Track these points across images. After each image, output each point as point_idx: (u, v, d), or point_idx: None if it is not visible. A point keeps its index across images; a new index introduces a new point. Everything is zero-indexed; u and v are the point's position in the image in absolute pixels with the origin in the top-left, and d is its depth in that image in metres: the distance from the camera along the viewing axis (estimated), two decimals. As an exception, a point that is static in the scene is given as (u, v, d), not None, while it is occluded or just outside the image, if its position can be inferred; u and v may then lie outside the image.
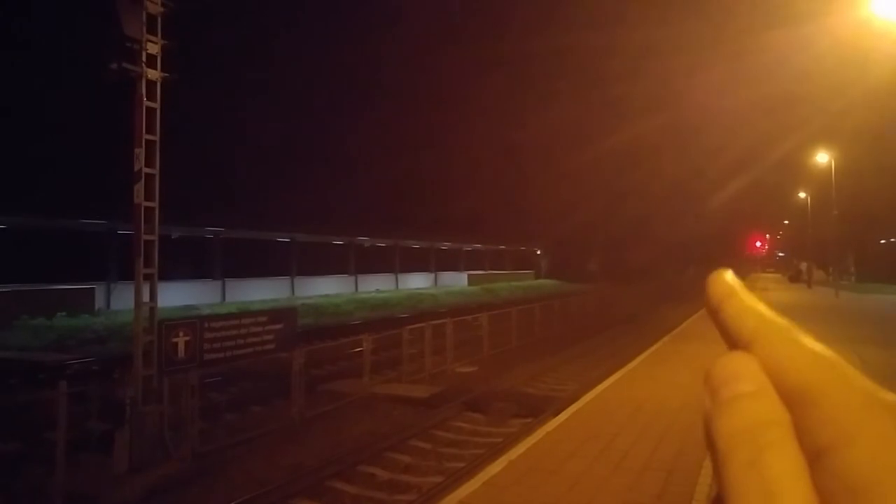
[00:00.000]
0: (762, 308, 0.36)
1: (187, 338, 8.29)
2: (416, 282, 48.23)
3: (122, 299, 24.54)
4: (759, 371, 0.33)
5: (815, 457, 0.27)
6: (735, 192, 72.53)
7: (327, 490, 7.82)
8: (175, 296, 22.94)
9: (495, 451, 8.93)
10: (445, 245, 53.96)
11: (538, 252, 70.01)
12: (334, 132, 49.32)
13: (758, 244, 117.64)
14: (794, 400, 0.30)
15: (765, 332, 0.34)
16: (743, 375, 0.33)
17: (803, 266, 60.13)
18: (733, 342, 0.35)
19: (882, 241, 64.13)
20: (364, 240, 43.74)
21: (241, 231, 33.89)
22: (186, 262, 28.43)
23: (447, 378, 14.19)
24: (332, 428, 10.22)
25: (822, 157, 38.73)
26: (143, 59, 8.34)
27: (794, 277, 63.24)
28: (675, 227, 77.01)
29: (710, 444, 0.31)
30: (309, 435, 9.81)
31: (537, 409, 11.38)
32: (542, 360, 16.92)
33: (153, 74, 8.53)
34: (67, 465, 7.27)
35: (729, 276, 0.38)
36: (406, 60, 71.52)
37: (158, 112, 8.65)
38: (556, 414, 9.51)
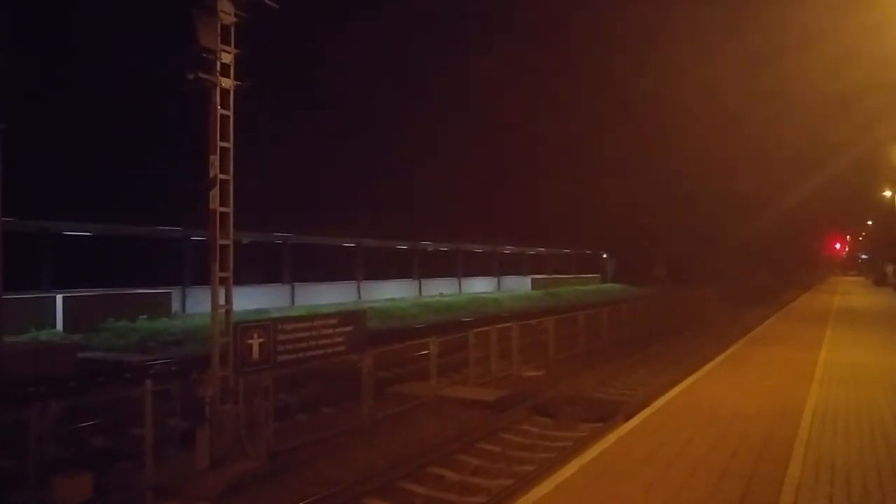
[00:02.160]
0: None
1: (261, 339, 8.52)
2: (480, 286, 48.24)
3: (196, 303, 25.77)
4: None
5: None
6: (811, 191, 69.43)
7: (397, 490, 7.88)
8: (247, 300, 23.74)
9: (566, 455, 8.83)
10: (508, 249, 53.77)
11: (604, 255, 68.84)
12: (386, 138, 49.88)
13: (837, 246, 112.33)
14: None
15: None
16: None
17: (889, 268, 57.04)
18: None
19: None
20: (427, 244, 44.10)
21: (310, 237, 34.79)
22: (257, 266, 29.40)
23: (513, 382, 14.11)
24: (400, 429, 10.31)
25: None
26: (218, 68, 8.64)
27: (879, 280, 59.98)
28: (747, 230, 74.28)
29: None
30: (378, 436, 9.93)
31: (607, 414, 11.17)
32: (611, 365, 16.61)
33: (227, 83, 8.81)
34: (156, 460, 7.61)
35: None
36: (459, 65, 71.58)
37: (232, 119, 8.93)
38: (628, 418, 9.31)
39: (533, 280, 53.69)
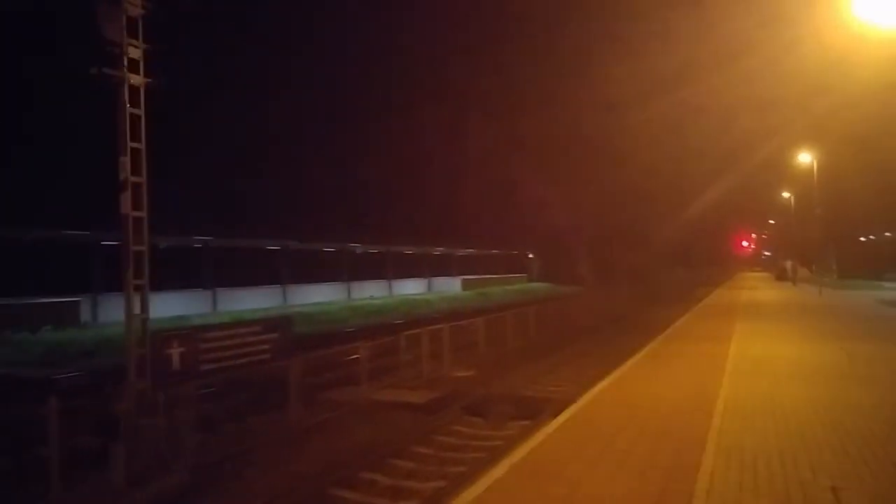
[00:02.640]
0: None
1: (182, 349, 8.22)
2: (410, 287, 48.20)
3: (109, 311, 24.15)
4: None
5: None
6: (722, 192, 72.93)
7: (330, 498, 7.77)
8: (165, 306, 22.61)
9: (496, 455, 8.93)
10: (438, 250, 53.98)
11: (530, 255, 70.11)
12: (321, 133, 49.16)
13: (745, 244, 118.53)
14: None
15: None
16: None
17: (788, 264, 60.69)
18: None
19: (861, 239, 64.83)
20: (356, 246, 43.69)
21: (231, 240, 33.73)
22: (175, 271, 28.16)
23: (445, 383, 14.13)
24: (331, 436, 10.16)
25: (805, 158, 39.12)
26: (125, 63, 8.24)
27: (780, 276, 63.73)
28: (663, 230, 77.28)
29: None
30: (309, 444, 9.75)
31: (536, 411, 11.39)
32: (539, 363, 16.93)
33: (136, 80, 8.43)
34: (65, 482, 7.18)
35: None
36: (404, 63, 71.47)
37: (143, 119, 8.54)
38: (555, 416, 9.50)
39: (463, 281, 54.12)
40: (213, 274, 32.01)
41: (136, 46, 8.38)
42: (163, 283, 23.04)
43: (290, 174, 42.97)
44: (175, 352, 8.11)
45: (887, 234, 50.88)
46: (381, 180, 51.43)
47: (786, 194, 54.29)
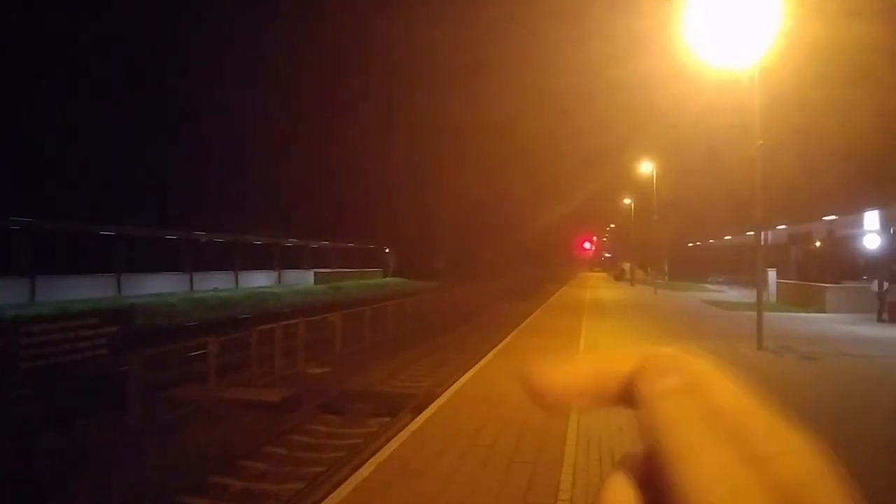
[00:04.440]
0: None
1: None
2: (259, 280, 46.24)
3: None
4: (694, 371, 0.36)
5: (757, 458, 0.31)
6: (573, 198, 77.64)
7: (175, 506, 7.13)
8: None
9: (355, 453, 8.69)
10: (290, 242, 52.29)
11: (386, 250, 70.11)
12: (171, 116, 45.81)
13: (586, 245, 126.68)
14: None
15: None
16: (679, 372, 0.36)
17: (626, 266, 65.53)
18: None
19: (689, 244, 71.70)
20: (201, 234, 41.16)
21: (56, 223, 30.31)
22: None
23: (300, 380, 13.64)
24: (176, 438, 9.36)
25: (646, 167, 42.33)
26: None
27: (619, 276, 68.72)
28: (515, 231, 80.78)
29: (652, 429, 0.33)
30: (150, 447, 8.90)
31: (395, 408, 11.25)
32: (396, 359, 16.83)
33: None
34: None
35: None
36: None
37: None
38: (416, 412, 9.44)
39: (316, 274, 52.87)
40: (33, 260, 28.49)
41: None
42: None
43: (127, 151, 39.60)
44: (-9, 346, 7.05)
45: (727, 237, 56.62)
46: (232, 165, 49.04)
47: (627, 200, 58.55)
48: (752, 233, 16.38)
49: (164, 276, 36.82)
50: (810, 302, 25.68)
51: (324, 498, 5.43)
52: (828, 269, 27.32)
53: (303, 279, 51.09)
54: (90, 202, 32.52)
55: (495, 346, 14.76)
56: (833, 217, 26.95)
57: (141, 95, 42.94)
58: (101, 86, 40.10)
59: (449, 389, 9.83)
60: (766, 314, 15.01)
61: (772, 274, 30.33)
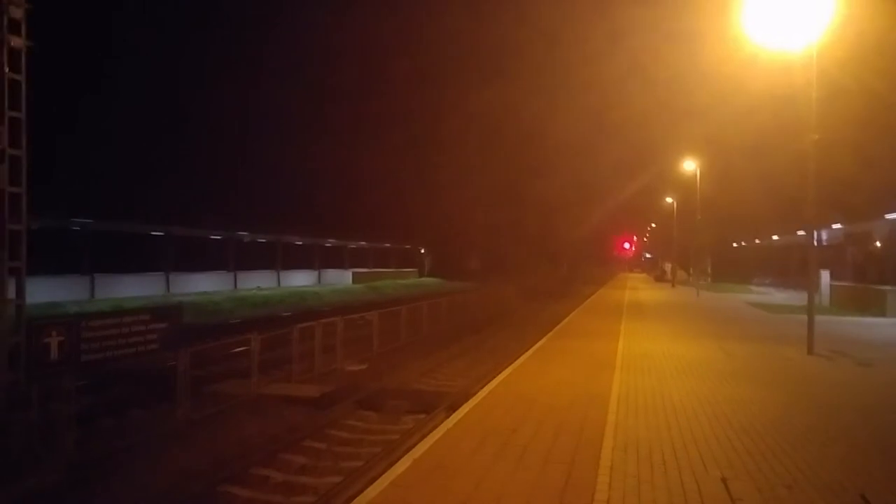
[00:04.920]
0: None
1: (61, 338, 7.57)
2: (299, 279, 47.09)
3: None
4: None
5: None
6: (616, 197, 76.82)
7: (220, 495, 7.45)
8: (37, 292, 20.80)
9: (391, 449, 8.90)
10: (329, 242, 53.08)
11: (422, 250, 70.51)
12: (221, 121, 47.00)
13: (626, 245, 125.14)
14: None
15: None
16: None
17: (667, 267, 64.53)
18: None
19: (734, 245, 70.30)
20: (244, 234, 42.14)
21: (112, 223, 31.60)
22: (49, 255, 26.00)
23: (338, 377, 13.95)
24: (220, 431, 9.73)
25: (690, 165, 41.57)
26: (5, 24, 7.49)
27: (659, 277, 67.74)
28: (553, 230, 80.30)
29: None
30: (196, 439, 9.28)
31: (430, 405, 11.46)
32: (431, 357, 17.06)
33: (17, 42, 7.69)
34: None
35: None
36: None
37: (24, 85, 7.81)
38: (451, 410, 9.60)
39: (354, 274, 53.54)
40: (92, 259, 29.80)
41: (17, 6, 7.63)
42: (36, 266, 21.10)
43: (178, 157, 40.81)
44: (53, 341, 7.46)
45: (774, 237, 55.17)
46: (275, 169, 49.99)
47: (669, 199, 57.63)
48: (802, 232, 15.99)
49: (210, 275, 37.89)
50: (868, 305, 24.73)
51: (360, 492, 5.62)
52: (889, 271, 26.23)
53: (342, 279, 51.80)
54: (138, 204, 33.61)
55: (530, 347, 14.81)
56: (896, 215, 25.75)
57: (191, 101, 44.18)
58: (155, 92, 41.40)
59: (484, 389, 9.94)
60: (818, 318, 14.53)
61: (825, 275, 29.38)
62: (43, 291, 22.64)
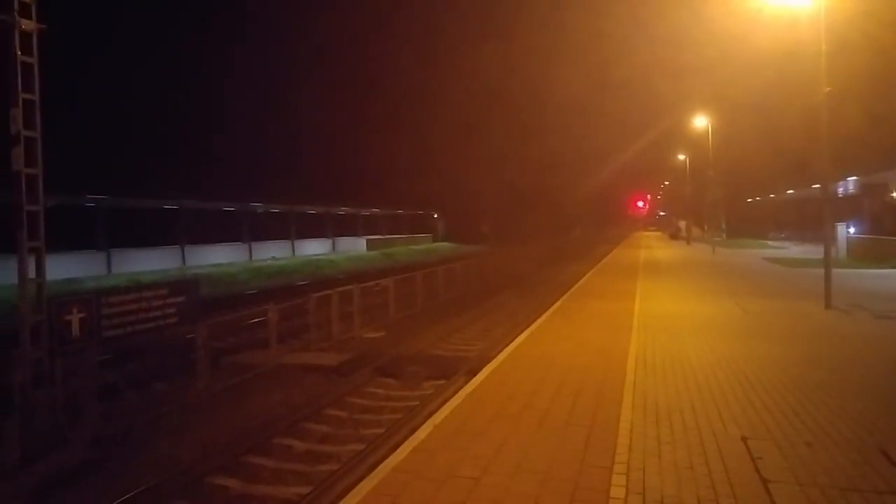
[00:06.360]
0: None
1: (82, 315, 7.65)
2: (314, 248, 47.29)
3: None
4: None
5: None
6: (625, 156, 75.98)
7: (243, 465, 7.56)
8: (55, 269, 21.05)
9: (413, 415, 8.99)
10: (343, 210, 53.11)
11: (435, 216, 70.41)
12: (223, 93, 46.77)
13: (640, 204, 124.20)
14: None
15: None
16: None
17: (682, 224, 64.06)
18: None
19: (749, 200, 69.56)
20: (257, 205, 42.24)
21: (126, 199, 31.81)
22: (66, 232, 26.33)
23: (356, 344, 14.05)
24: (241, 401, 9.87)
25: (701, 121, 40.97)
26: (16, 7, 7.45)
27: (674, 235, 67.33)
28: (566, 190, 79.74)
29: None
30: (218, 410, 9.43)
31: (449, 371, 11.52)
32: (448, 322, 17.12)
33: (28, 25, 7.64)
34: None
35: None
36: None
37: (36, 68, 7.79)
38: (470, 374, 9.65)
39: (368, 241, 53.68)
40: (107, 234, 30.13)
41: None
42: (52, 243, 21.39)
43: (187, 130, 40.75)
44: (75, 318, 7.54)
45: (790, 191, 54.48)
46: (286, 139, 49.80)
47: (681, 156, 56.96)
48: (818, 186, 15.77)
49: (225, 247, 38.13)
50: (886, 257, 24.48)
51: (383, 459, 5.68)
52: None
53: (356, 246, 51.97)
54: (151, 178, 33.73)
55: (546, 310, 14.80)
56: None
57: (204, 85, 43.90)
58: (170, 71, 41.13)
59: (502, 353, 9.97)
60: (835, 271, 14.45)
61: (841, 228, 28.94)
62: (60, 268, 22.94)
